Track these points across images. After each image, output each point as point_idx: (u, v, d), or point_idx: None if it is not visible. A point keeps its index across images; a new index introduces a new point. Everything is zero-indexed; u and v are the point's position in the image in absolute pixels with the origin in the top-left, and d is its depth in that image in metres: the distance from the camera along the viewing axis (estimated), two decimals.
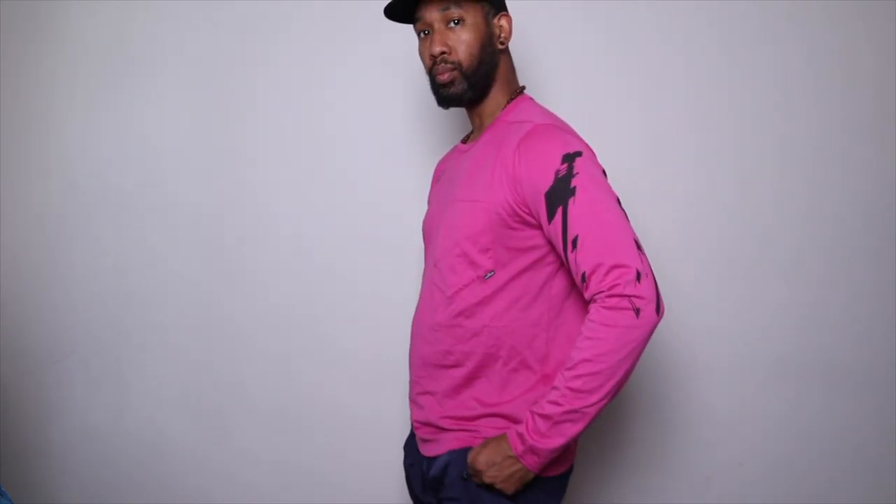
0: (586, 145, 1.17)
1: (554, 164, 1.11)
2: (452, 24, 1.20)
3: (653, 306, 1.06)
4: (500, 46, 1.25)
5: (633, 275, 1.05)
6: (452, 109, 1.32)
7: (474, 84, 1.22)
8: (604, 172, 1.16)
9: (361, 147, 1.81)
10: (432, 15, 1.20)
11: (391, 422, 1.73)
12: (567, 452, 1.20)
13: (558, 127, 1.18)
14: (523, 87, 1.30)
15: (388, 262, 1.78)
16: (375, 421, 1.78)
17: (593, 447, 1.76)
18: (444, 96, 1.23)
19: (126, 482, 1.91)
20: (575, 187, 1.09)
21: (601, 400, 1.07)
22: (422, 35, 1.24)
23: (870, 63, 1.66)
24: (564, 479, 1.23)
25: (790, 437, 1.71)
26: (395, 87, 1.78)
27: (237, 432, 1.89)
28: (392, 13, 1.27)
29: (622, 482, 1.77)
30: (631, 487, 1.77)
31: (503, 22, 1.24)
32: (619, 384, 1.08)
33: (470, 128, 1.37)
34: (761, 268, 1.70)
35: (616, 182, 1.15)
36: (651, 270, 1.08)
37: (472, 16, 1.20)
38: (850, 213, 1.69)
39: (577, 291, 1.17)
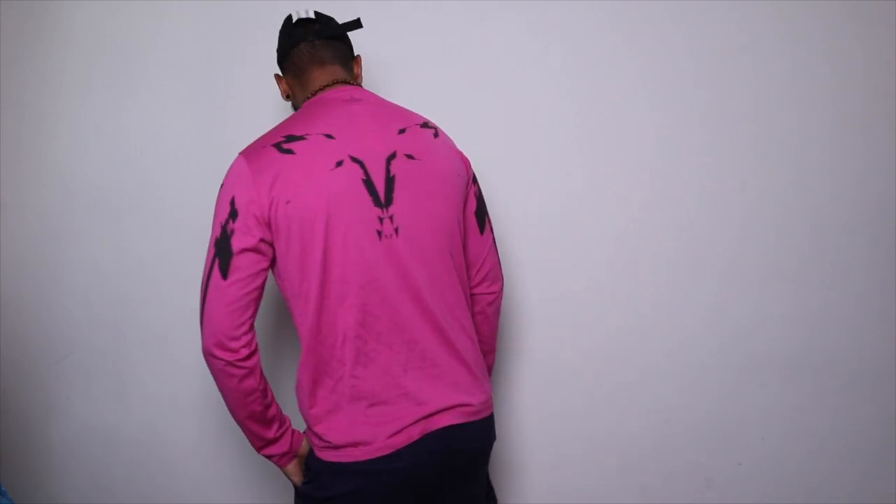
0: (241, 169, 1.22)
1: None
2: None
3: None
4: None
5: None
6: None
7: None
8: (231, 202, 1.22)
9: None
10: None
11: None
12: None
13: (242, 155, 1.24)
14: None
15: None
16: None
17: (593, 447, 1.76)
18: None
19: (126, 482, 1.91)
20: None
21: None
22: None
23: (872, 61, 1.65)
24: (341, 468, 1.25)
25: (789, 437, 1.71)
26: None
27: (236, 432, 1.89)
28: None
29: (622, 482, 1.77)
30: (631, 487, 1.76)
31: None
32: (231, 407, 1.31)
33: None
34: (762, 268, 1.70)
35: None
36: (203, 305, 1.26)
37: None
38: (851, 212, 1.68)
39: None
